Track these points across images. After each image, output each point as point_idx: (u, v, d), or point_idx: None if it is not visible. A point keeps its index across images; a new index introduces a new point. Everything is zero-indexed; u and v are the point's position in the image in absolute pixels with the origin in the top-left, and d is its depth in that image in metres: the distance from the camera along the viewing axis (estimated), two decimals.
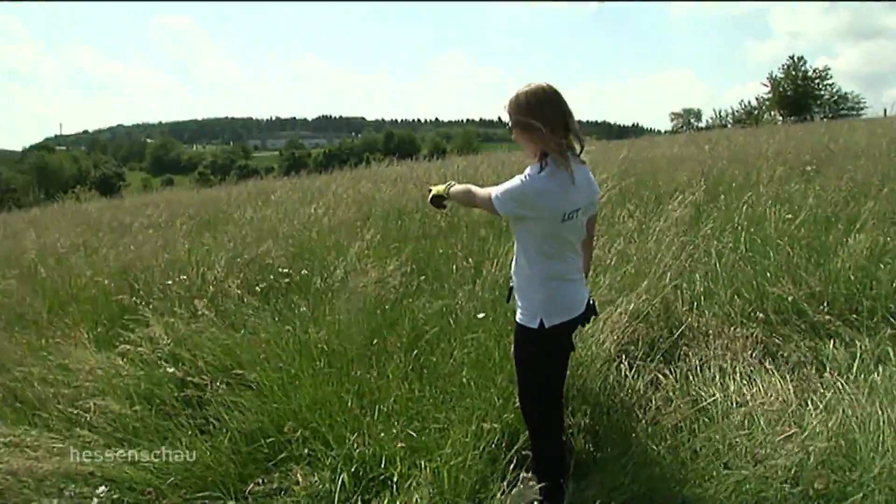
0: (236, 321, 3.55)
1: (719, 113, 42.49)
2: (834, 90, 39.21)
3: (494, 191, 1.93)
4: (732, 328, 3.07)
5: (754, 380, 2.62)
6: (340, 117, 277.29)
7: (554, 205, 1.84)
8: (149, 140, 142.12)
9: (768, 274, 3.59)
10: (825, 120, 27.49)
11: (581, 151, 1.92)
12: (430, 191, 2.32)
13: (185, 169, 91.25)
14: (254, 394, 2.56)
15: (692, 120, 52.06)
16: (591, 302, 2.13)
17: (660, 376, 2.69)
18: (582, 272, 2.12)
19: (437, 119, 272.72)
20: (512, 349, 2.17)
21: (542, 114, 1.83)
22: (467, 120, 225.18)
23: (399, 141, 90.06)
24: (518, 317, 2.04)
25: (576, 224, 1.95)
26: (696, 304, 3.35)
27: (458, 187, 2.22)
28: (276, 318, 3.57)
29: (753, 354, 2.82)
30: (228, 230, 6.07)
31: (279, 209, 7.35)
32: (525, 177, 1.85)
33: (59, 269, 5.14)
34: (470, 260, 4.13)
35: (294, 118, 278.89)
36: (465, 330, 3.19)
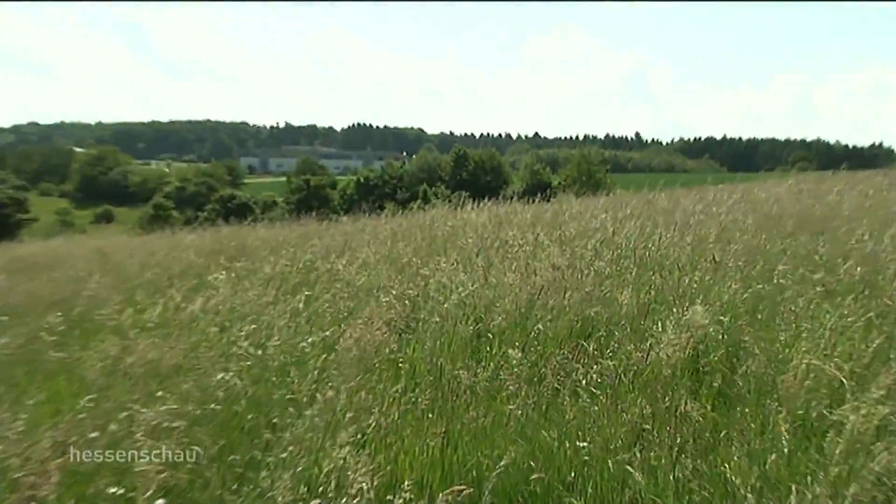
0: None
1: None
2: None
3: None
4: None
5: None
6: (385, 127, 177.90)
7: None
8: (77, 149, 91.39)
9: None
10: None
11: None
12: None
13: (135, 197, 64.41)
14: None
15: None
16: None
17: None
18: None
19: (536, 134, 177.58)
20: None
21: None
22: (584, 137, 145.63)
23: (475, 166, 53.29)
24: None
25: None
26: None
27: None
28: None
29: None
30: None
31: (216, 307, 4.39)
32: None
33: None
34: None
35: (314, 126, 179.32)
36: None
